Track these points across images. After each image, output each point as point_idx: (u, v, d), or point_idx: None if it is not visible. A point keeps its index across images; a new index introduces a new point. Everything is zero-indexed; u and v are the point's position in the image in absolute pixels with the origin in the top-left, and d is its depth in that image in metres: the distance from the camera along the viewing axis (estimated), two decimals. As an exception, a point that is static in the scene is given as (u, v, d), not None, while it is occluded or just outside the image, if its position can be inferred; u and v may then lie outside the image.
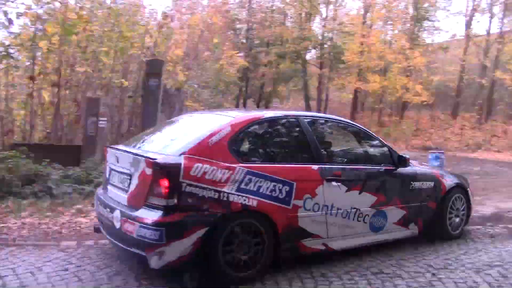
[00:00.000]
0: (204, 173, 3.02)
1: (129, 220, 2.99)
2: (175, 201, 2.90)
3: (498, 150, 24.60)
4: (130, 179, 3.15)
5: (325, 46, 29.82)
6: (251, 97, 31.18)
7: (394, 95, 26.78)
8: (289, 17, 32.11)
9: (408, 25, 28.75)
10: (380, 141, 4.38)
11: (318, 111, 29.76)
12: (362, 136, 4.31)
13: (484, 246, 4.33)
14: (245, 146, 3.40)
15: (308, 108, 30.84)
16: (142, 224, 2.87)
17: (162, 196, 2.88)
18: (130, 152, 3.27)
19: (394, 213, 4.13)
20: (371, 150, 4.26)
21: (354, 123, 4.37)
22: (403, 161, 4.23)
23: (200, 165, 3.00)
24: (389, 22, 28.61)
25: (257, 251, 3.21)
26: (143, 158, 3.04)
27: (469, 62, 30.47)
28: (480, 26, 52.75)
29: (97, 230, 3.73)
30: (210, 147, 3.10)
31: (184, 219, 2.91)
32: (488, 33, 28.98)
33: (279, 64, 29.65)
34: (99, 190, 3.82)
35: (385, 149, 4.29)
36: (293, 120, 3.71)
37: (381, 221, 4.03)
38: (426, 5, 29.63)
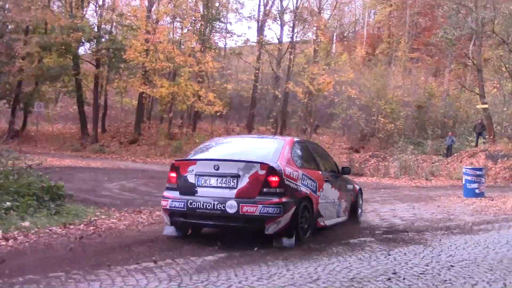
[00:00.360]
0: (290, 173, 6.51)
1: (249, 204, 6.16)
2: (282, 190, 6.28)
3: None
4: (237, 179, 6.31)
5: (103, 40, 30.29)
6: (3, 98, 28.66)
7: (185, 103, 29.74)
8: (55, -1, 31.40)
9: (199, 25, 32.51)
10: (331, 157, 8.91)
11: (95, 118, 30.89)
12: (325, 153, 8.84)
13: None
14: (295, 158, 7.08)
15: (82, 115, 30.69)
16: (265, 205, 6.11)
17: (275, 187, 6.23)
18: (238, 160, 6.46)
19: (343, 204, 8.40)
20: (330, 162, 8.56)
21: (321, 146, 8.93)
22: (345, 170, 8.64)
23: (288, 168, 6.52)
24: (177, 19, 31.25)
25: (308, 223, 6.78)
26: (258, 164, 6.30)
27: (263, 71, 37.26)
28: (272, 33, 60.37)
29: (174, 223, 6.82)
30: (286, 158, 6.70)
31: (288, 200, 6.29)
32: (280, 41, 35.51)
33: (43, 58, 28.79)
34: (175, 195, 6.69)
35: (333, 162, 8.73)
36: (303, 143, 7.90)
37: (339, 209, 8.18)
38: (217, 4, 34.28)
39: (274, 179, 6.36)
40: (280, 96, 35.00)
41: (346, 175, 8.87)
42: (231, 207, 6.30)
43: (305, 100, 34.46)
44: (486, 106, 26.96)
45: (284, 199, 6.35)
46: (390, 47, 46.98)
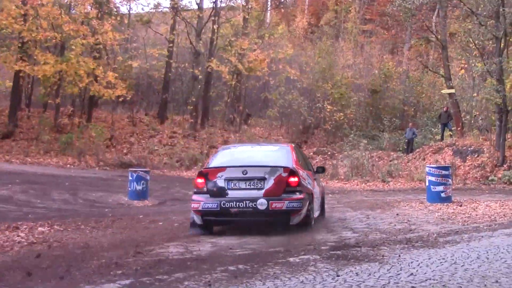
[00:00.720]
0: (301, 173, 10.37)
1: (277, 201, 9.71)
2: (300, 188, 10.01)
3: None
4: (264, 181, 9.88)
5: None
6: None
7: (76, 86, 29.11)
8: None
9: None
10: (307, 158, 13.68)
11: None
12: (305, 154, 13.62)
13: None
14: (299, 161, 10.95)
15: None
16: (290, 201, 9.78)
17: (295, 186, 9.95)
18: (265, 165, 10.17)
19: (320, 199, 12.08)
20: (308, 162, 12.60)
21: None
22: (320, 169, 12.64)
23: (299, 170, 10.38)
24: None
25: (313, 214, 10.79)
26: (282, 168, 10.03)
27: (178, 45, 36.88)
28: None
29: (206, 222, 10.19)
30: (295, 161, 10.53)
31: (305, 196, 10.11)
32: (200, 7, 35.28)
33: None
34: (207, 198, 10.02)
35: (309, 162, 13.06)
36: (296, 147, 12.10)
37: (318, 203, 11.70)
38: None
39: (295, 179, 10.04)
40: (201, 77, 35.02)
41: (317, 175, 12.48)
42: (262, 204, 9.79)
43: (233, 82, 34.60)
44: (452, 90, 28.17)
45: (302, 195, 10.07)
46: (338, 17, 48.25)
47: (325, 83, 34.79)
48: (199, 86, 35.51)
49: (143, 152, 29.87)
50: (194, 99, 34.29)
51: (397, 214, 12.55)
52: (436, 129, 30.38)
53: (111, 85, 29.65)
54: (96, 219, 12.14)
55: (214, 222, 10.39)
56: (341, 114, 33.62)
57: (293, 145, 11.86)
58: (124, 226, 11.38)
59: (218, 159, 11.07)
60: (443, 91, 30.63)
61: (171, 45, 34.77)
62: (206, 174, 10.35)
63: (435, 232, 9.62)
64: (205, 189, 10.23)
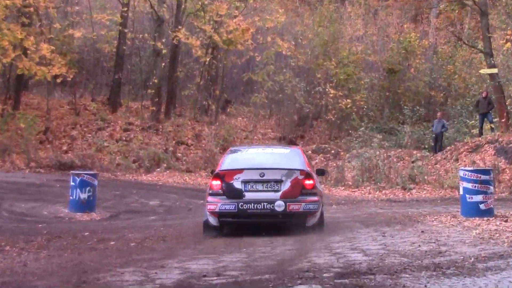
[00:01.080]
0: (315, 176, 14.01)
1: (294, 203, 12.81)
2: (315, 190, 13.28)
3: (188, 168, 30.81)
4: (281, 184, 12.98)
5: None
6: None
7: None
8: None
9: None
10: None
11: None
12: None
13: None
14: (310, 164, 14.74)
15: None
16: (307, 203, 12.91)
17: (310, 188, 13.14)
18: (282, 168, 13.25)
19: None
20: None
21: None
22: (320, 172, 15.58)
23: (312, 172, 13.95)
24: None
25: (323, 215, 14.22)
26: (298, 171, 13.21)
27: (135, 10, 36.10)
28: None
29: (223, 223, 13.15)
30: (307, 164, 13.93)
31: (319, 198, 13.42)
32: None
33: None
34: (223, 200, 12.83)
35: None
36: (302, 149, 16.52)
37: (322, 202, 14.31)
38: None
39: (310, 182, 13.02)
40: (165, 51, 34.90)
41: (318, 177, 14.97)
42: (279, 206, 12.63)
43: (207, 59, 34.44)
44: (494, 70, 28.17)
45: (317, 198, 13.05)
46: (345, -26, 48.15)
47: (328, 61, 34.84)
48: (163, 64, 35.30)
49: (89, 150, 29.76)
50: (156, 81, 34.08)
51: (422, 232, 12.55)
52: (473, 121, 30.47)
53: (45, 61, 29.45)
54: (26, 238, 12.07)
55: (232, 224, 13.37)
56: (348, 100, 33.71)
57: (301, 148, 15.92)
58: (64, 246, 11.33)
59: (231, 161, 13.91)
60: (482, 71, 30.70)
61: (125, 9, 34.49)
62: (222, 176, 13.09)
63: (472, 256, 9.60)
64: (221, 191, 12.99)
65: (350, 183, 24.75)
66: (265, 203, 12.75)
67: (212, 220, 12.93)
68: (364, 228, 13.36)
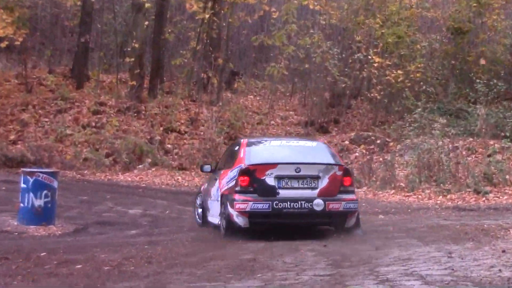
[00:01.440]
0: (352, 173, 20.80)
1: (334, 202, 15.17)
2: (353, 188, 16.35)
3: (180, 164, 30.40)
4: (318, 180, 15.34)
5: None
6: None
7: None
8: None
9: None
10: None
11: None
12: None
13: None
14: None
15: None
16: (347, 202, 15.40)
17: (349, 185, 15.81)
18: (320, 163, 15.71)
19: None
20: None
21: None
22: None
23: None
24: None
25: None
26: (336, 166, 15.82)
27: None
28: None
29: (254, 224, 15.32)
30: (340, 159, 18.51)
31: (357, 197, 16.92)
32: None
33: None
34: (255, 197, 14.96)
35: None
36: None
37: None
38: None
39: (348, 178, 15.27)
40: (149, 5, 35.01)
41: None
42: (318, 205, 14.58)
43: (206, 16, 34.48)
44: None
45: (355, 196, 15.61)
46: None
47: (371, 18, 34.79)
48: (146, 23, 35.36)
49: (46, 140, 29.98)
50: (136, 45, 34.16)
51: (503, 252, 12.49)
52: None
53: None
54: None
55: (264, 225, 15.17)
56: (399, 72, 33.67)
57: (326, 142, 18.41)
58: (13, 272, 11.29)
59: (258, 154, 15.97)
60: None
61: None
62: (253, 171, 14.93)
63: None
64: (251, 188, 14.83)
65: (402, 184, 24.76)
66: (303, 202, 14.64)
67: (241, 221, 14.74)
68: (423, 246, 13.31)
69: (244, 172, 14.78)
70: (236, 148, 16.98)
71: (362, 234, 15.40)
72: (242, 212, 14.51)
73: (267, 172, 14.74)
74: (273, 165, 14.91)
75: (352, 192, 15.38)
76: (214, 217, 16.91)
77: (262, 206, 14.46)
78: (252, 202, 14.47)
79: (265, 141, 18.11)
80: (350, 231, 15.16)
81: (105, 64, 37.61)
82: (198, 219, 18.40)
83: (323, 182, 14.86)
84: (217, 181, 16.91)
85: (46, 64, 37.03)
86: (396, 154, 27.28)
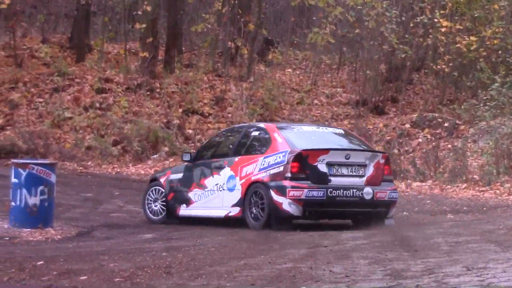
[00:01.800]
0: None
1: (381, 191, 18.27)
2: (392, 177, 20.53)
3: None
4: (364, 168, 18.23)
5: None
6: None
7: None
8: None
9: None
10: None
11: None
12: None
13: None
14: None
15: None
16: (391, 191, 18.76)
17: (388, 174, 19.25)
18: (367, 150, 19.77)
19: None
20: None
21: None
22: None
23: None
24: None
25: None
26: (380, 154, 19.83)
27: None
28: None
29: (307, 213, 18.14)
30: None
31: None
32: None
33: None
34: (309, 184, 17.36)
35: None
36: None
37: None
38: None
39: (389, 167, 18.43)
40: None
41: None
42: (368, 193, 17.15)
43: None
44: None
45: (395, 185, 19.04)
46: None
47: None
48: None
49: (40, 125, 30.21)
50: (148, 8, 34.27)
51: None
52: None
53: None
54: None
55: (317, 213, 17.48)
56: (472, 38, 33.55)
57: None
58: (3, 285, 11.46)
59: (302, 140, 17.93)
60: None
61: None
62: (306, 157, 16.97)
63: None
64: (303, 174, 16.88)
65: (476, 177, 24.78)
66: (354, 190, 17.09)
67: (294, 209, 16.77)
68: (502, 253, 13.34)
69: (296, 158, 16.52)
70: (257, 133, 18.51)
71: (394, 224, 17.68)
72: (296, 200, 16.31)
73: (319, 158, 16.65)
74: (326, 150, 16.91)
75: (392, 181, 18.13)
76: (198, 209, 18.48)
77: (317, 193, 16.45)
78: (307, 189, 16.34)
79: (295, 126, 20.06)
80: (383, 221, 17.51)
81: (111, 31, 37.80)
82: (153, 216, 19.11)
83: (369, 170, 17.19)
84: (225, 170, 18.11)
85: (39, 32, 37.27)
86: (469, 140, 27.30)
